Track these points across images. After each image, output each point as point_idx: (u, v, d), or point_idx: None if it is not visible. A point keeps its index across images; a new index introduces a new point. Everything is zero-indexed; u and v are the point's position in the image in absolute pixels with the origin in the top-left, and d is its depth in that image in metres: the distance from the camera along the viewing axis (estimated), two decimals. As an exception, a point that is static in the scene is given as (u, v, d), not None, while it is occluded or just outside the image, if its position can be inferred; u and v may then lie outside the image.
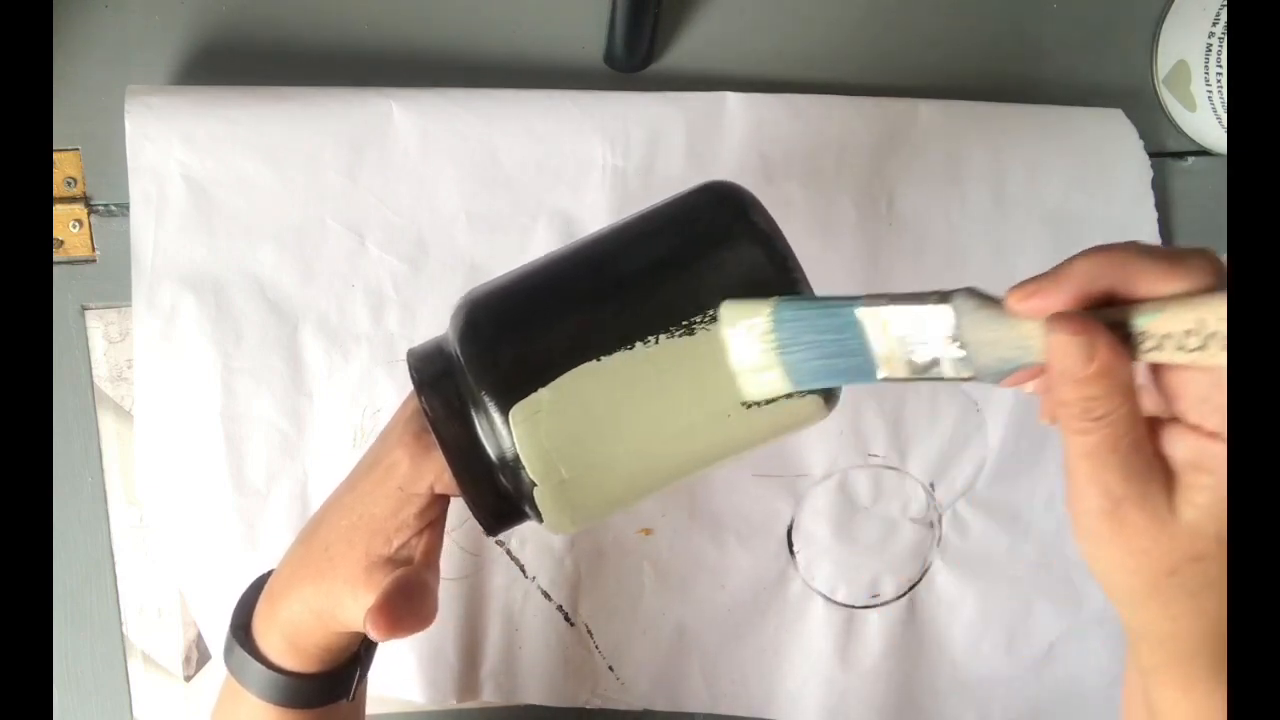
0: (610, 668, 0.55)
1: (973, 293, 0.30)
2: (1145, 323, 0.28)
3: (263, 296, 0.51)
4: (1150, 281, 0.28)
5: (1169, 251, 0.28)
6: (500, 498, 0.36)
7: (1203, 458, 0.29)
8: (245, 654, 0.41)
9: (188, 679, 0.53)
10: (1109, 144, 0.58)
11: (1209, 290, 0.27)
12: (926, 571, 0.57)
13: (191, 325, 0.50)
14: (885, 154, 0.55)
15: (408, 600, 0.38)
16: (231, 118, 0.50)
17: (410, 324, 0.52)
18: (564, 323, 0.34)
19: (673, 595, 0.55)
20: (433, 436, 0.36)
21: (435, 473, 0.38)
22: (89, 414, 0.52)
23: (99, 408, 0.52)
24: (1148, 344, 0.28)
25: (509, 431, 0.34)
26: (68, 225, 0.51)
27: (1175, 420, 0.29)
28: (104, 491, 0.52)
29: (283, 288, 0.51)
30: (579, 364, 0.34)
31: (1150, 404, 0.30)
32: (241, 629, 0.42)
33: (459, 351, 0.35)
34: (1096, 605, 0.58)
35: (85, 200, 0.51)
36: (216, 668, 0.53)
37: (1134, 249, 0.28)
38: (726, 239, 0.35)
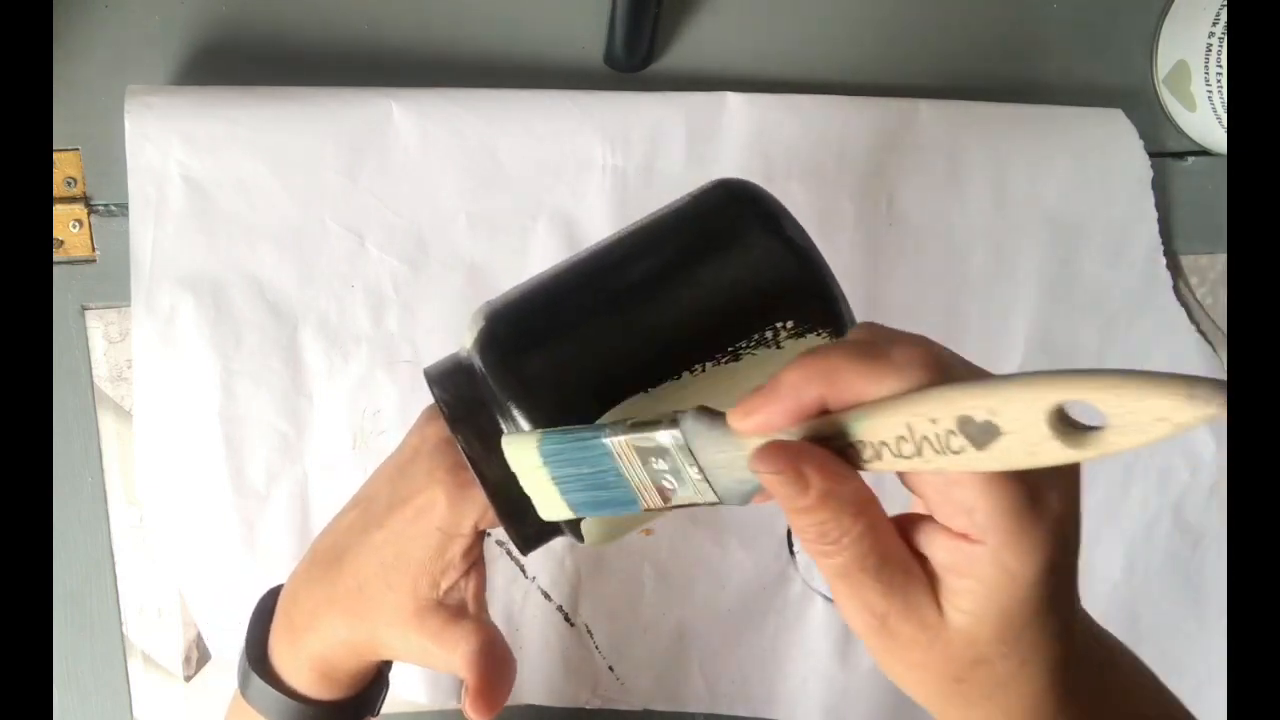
0: (610, 668, 0.55)
1: (702, 413, 0.28)
2: (855, 432, 0.26)
3: (262, 297, 0.51)
4: (852, 385, 0.26)
5: (872, 349, 0.26)
6: (542, 526, 0.36)
7: (959, 560, 0.27)
8: (268, 686, 0.40)
9: (188, 679, 0.53)
10: (1109, 144, 0.58)
11: (919, 388, 0.25)
12: (926, 571, 0.57)
13: (191, 326, 0.50)
14: (885, 154, 0.55)
15: (503, 675, 0.37)
16: (231, 118, 0.50)
17: (410, 324, 0.52)
18: (608, 355, 0.33)
19: (673, 595, 0.55)
20: (471, 473, 0.35)
21: (478, 511, 0.37)
22: (89, 414, 0.51)
23: (99, 408, 0.52)
24: (867, 453, 0.26)
25: None
26: (68, 225, 0.51)
27: (930, 519, 0.28)
28: (104, 491, 0.52)
29: (282, 288, 0.51)
30: (628, 398, 0.33)
31: (917, 501, 0.29)
32: (259, 661, 0.41)
33: (496, 386, 0.34)
34: (1096, 605, 0.58)
35: (85, 200, 0.51)
36: (216, 668, 0.53)
37: (841, 352, 0.26)
38: (770, 260, 0.34)
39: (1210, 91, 0.56)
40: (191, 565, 0.51)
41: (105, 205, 0.51)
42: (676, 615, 0.55)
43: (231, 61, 0.52)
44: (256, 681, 0.40)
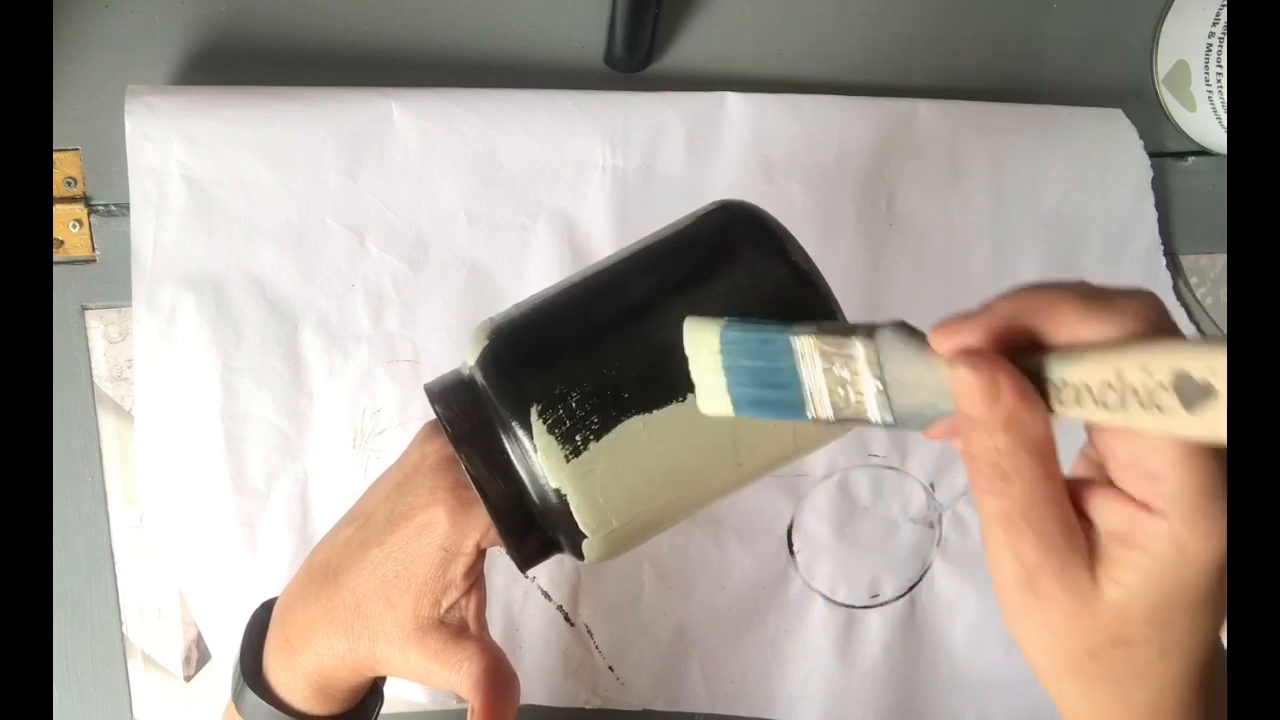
0: (610, 668, 0.55)
1: (901, 328, 0.27)
2: (1061, 371, 0.25)
3: (262, 296, 0.51)
4: (1071, 324, 0.25)
5: (1098, 292, 0.25)
6: (543, 544, 0.36)
7: (1132, 531, 0.26)
8: (263, 702, 0.39)
9: (188, 679, 0.53)
10: (1109, 144, 0.58)
11: (1137, 337, 0.24)
12: (927, 571, 0.57)
13: (191, 325, 0.50)
14: (885, 154, 0.55)
15: (508, 697, 0.37)
16: (231, 118, 0.50)
17: (410, 324, 0.52)
18: (612, 375, 0.33)
19: (673, 595, 0.55)
20: (473, 492, 0.35)
21: (481, 530, 0.36)
22: (89, 414, 0.52)
23: (99, 408, 0.52)
24: (1065, 395, 0.25)
25: (565, 502, 0.33)
26: (68, 225, 0.51)
27: (1108, 484, 0.27)
28: (104, 491, 0.52)
29: (283, 288, 0.51)
30: (630, 418, 0.33)
31: (1084, 465, 0.28)
32: (253, 675, 0.40)
33: (498, 404, 0.34)
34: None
35: (85, 200, 0.51)
36: (216, 668, 0.53)
37: (1065, 288, 0.25)
38: (772, 279, 0.34)
39: (1210, 91, 0.56)
40: (191, 565, 0.51)
41: (105, 205, 0.51)
42: (676, 615, 0.55)
43: (231, 61, 0.52)
44: (251, 696, 0.40)
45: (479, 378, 0.35)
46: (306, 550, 0.51)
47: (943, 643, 0.58)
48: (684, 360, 0.32)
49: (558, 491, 0.33)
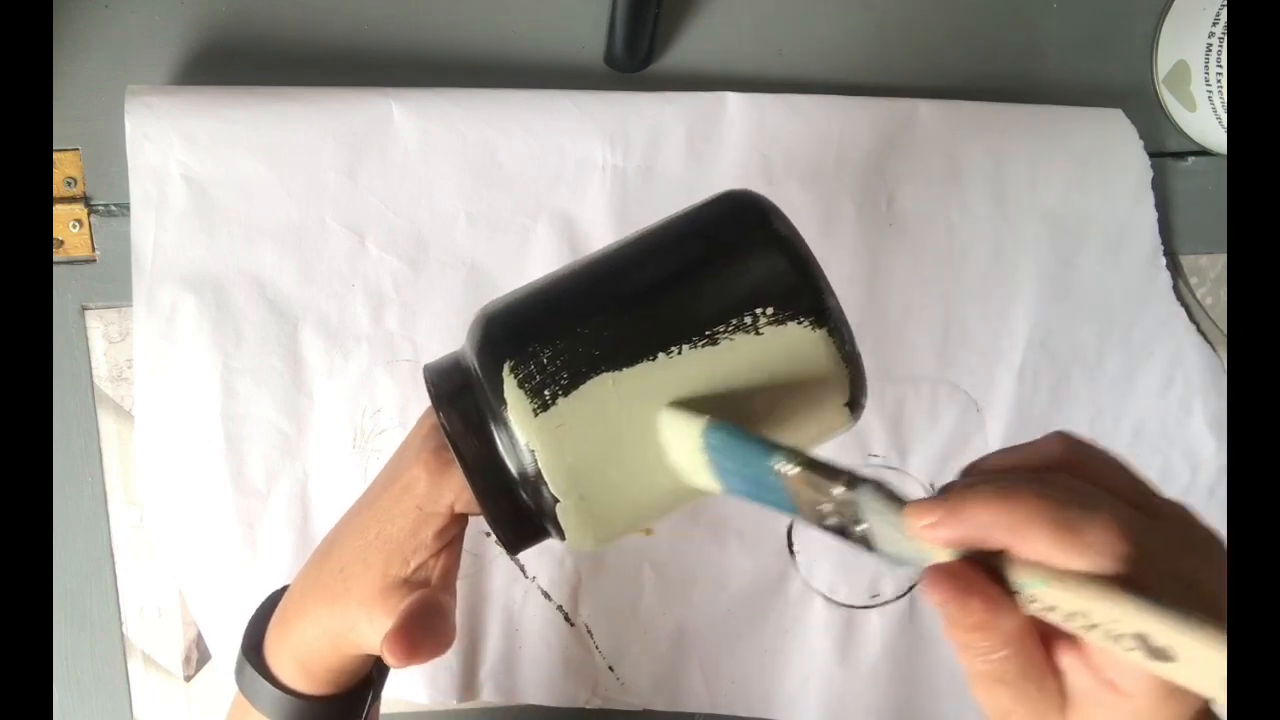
0: (610, 668, 0.55)
1: (880, 491, 0.28)
2: (1030, 588, 0.26)
3: (262, 296, 0.51)
4: (1042, 551, 0.26)
5: (1070, 521, 0.26)
6: (521, 515, 0.35)
7: (1098, 697, 0.27)
8: (256, 674, 0.40)
9: (188, 679, 0.53)
10: (1109, 144, 0.58)
11: (1104, 576, 0.25)
12: (926, 571, 0.57)
13: (191, 325, 0.50)
14: (885, 154, 0.55)
15: (426, 625, 0.37)
16: (231, 118, 0.50)
17: (410, 324, 0.52)
18: (584, 334, 0.34)
19: (673, 595, 0.55)
20: (452, 453, 0.35)
21: (455, 491, 0.37)
22: (89, 414, 0.52)
23: (99, 408, 0.52)
24: (1034, 605, 0.27)
25: (533, 451, 0.33)
26: (68, 225, 0.51)
27: (1080, 648, 0.28)
28: (104, 491, 0.52)
29: (283, 288, 0.51)
30: (600, 375, 0.33)
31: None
32: (253, 649, 0.41)
33: (477, 365, 0.34)
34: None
35: (85, 200, 0.51)
36: (216, 668, 0.53)
37: (1037, 508, 0.26)
38: (749, 248, 0.34)
39: (1210, 91, 0.56)
40: (191, 565, 0.51)
41: (105, 205, 0.51)
42: (676, 615, 0.55)
43: (231, 61, 0.52)
44: (248, 669, 0.41)
45: (471, 359, 0.36)
46: (307, 550, 0.51)
47: (942, 643, 0.58)
48: (657, 320, 0.33)
49: (527, 446, 0.33)
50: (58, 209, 0.51)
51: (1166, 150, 0.59)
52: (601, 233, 0.53)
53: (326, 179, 0.51)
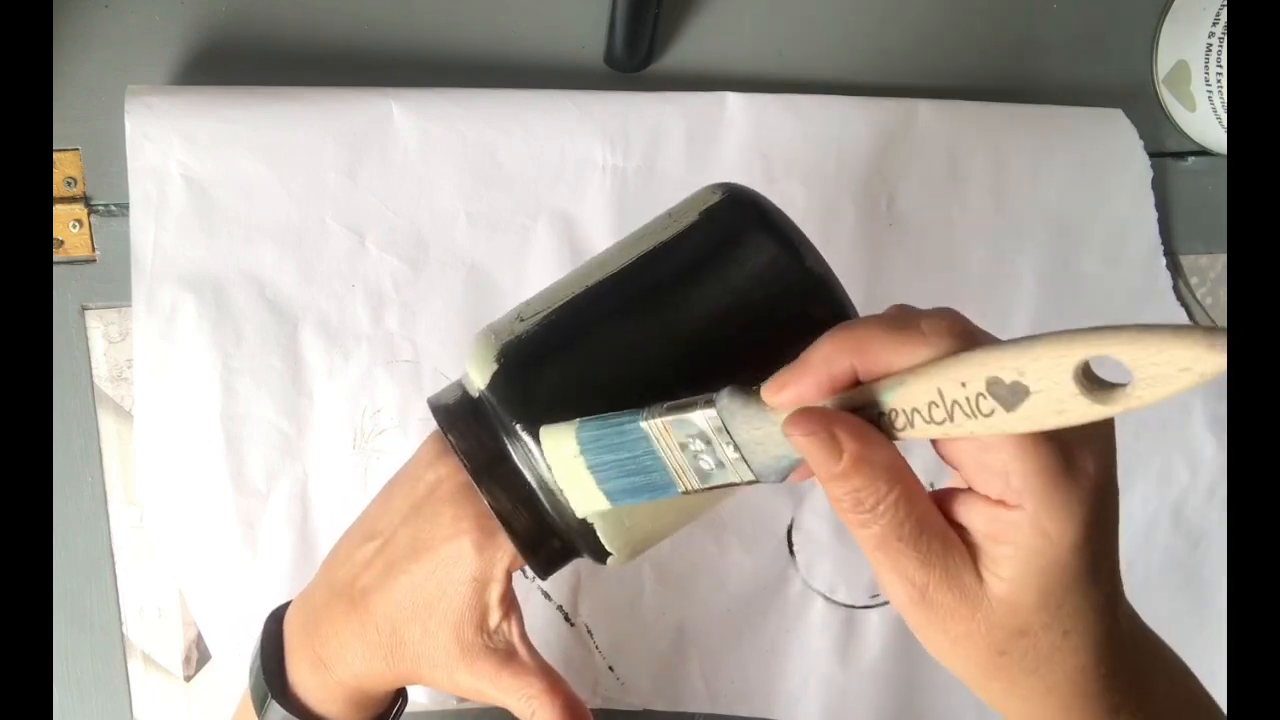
0: (610, 668, 0.55)
1: (736, 391, 0.29)
2: (887, 400, 0.27)
3: (262, 296, 0.51)
4: (884, 355, 0.27)
5: (903, 318, 0.27)
6: (566, 556, 0.36)
7: (998, 527, 0.27)
8: (294, 717, 0.39)
9: (188, 679, 0.53)
10: (1109, 144, 0.58)
11: (946, 355, 0.26)
12: (926, 571, 0.57)
13: (191, 325, 0.50)
14: (885, 154, 0.55)
15: None
16: (231, 118, 0.50)
17: (410, 324, 0.52)
18: (636, 401, 0.33)
19: (673, 595, 0.55)
20: (496, 523, 0.35)
21: (509, 557, 0.37)
22: (89, 414, 0.51)
23: (99, 408, 0.52)
24: (899, 422, 0.27)
25: (589, 525, 0.33)
26: (68, 225, 0.51)
27: (969, 490, 0.28)
28: (104, 491, 0.52)
29: (283, 288, 0.51)
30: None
31: (953, 477, 0.29)
32: (281, 691, 0.40)
33: (526, 437, 0.33)
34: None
35: (85, 200, 0.51)
36: (216, 668, 0.53)
37: (870, 324, 0.27)
38: (773, 276, 0.34)
39: (1210, 91, 0.56)
40: (191, 565, 0.51)
41: (105, 205, 0.51)
42: (676, 615, 0.55)
43: (231, 61, 0.52)
44: (279, 711, 0.40)
45: (492, 403, 0.35)
46: (307, 550, 0.51)
47: (943, 643, 0.58)
48: (706, 374, 0.32)
49: (584, 521, 0.34)
50: (58, 209, 0.51)
51: (1166, 150, 0.59)
52: (601, 233, 0.53)
53: (326, 179, 0.51)
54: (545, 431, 0.32)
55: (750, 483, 0.30)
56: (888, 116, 0.55)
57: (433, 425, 0.38)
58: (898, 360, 0.27)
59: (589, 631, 0.55)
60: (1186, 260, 0.60)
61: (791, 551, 0.56)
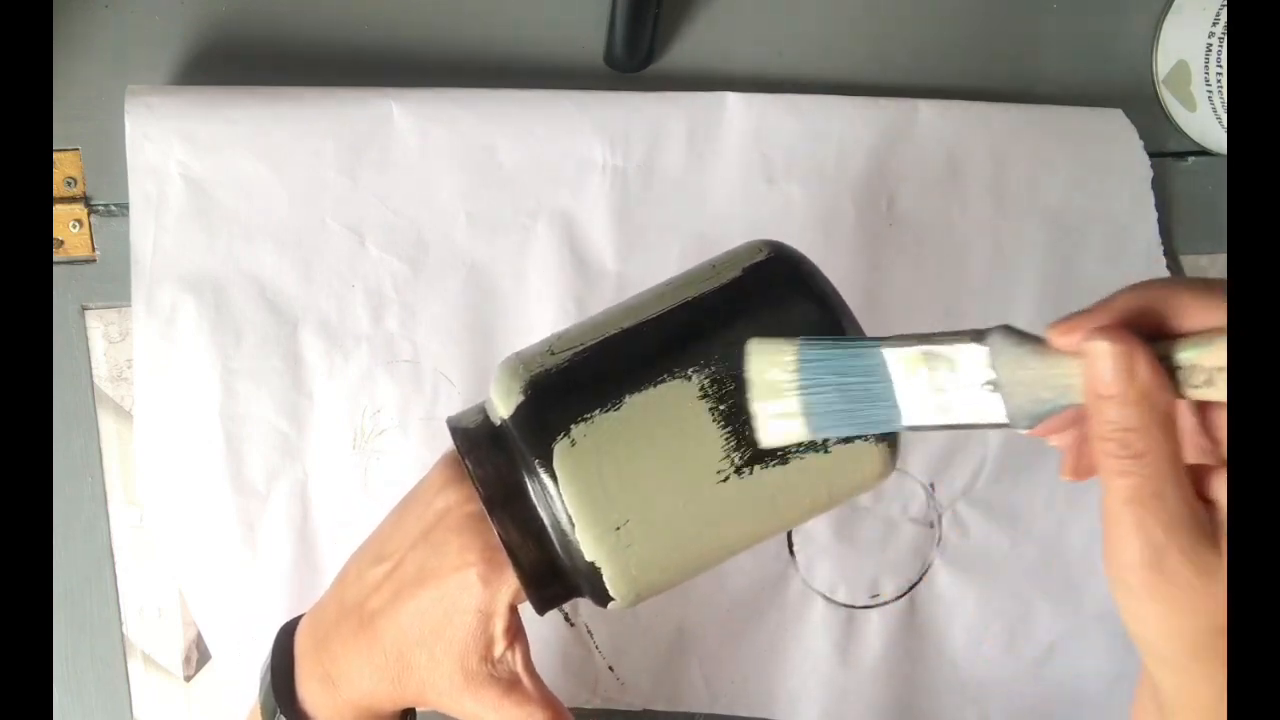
0: (610, 668, 0.55)
1: (1010, 330, 0.28)
2: (1194, 356, 0.26)
3: (262, 297, 0.51)
4: (1197, 314, 0.27)
5: (1211, 281, 0.27)
6: (568, 597, 0.36)
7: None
8: None
9: (188, 679, 0.53)
10: (1109, 144, 0.58)
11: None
12: (926, 571, 0.57)
13: (191, 325, 0.50)
14: (885, 154, 0.55)
15: None
16: (231, 118, 0.50)
17: (410, 324, 0.52)
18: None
19: (673, 595, 0.55)
20: (503, 555, 0.35)
21: (514, 591, 0.37)
22: (89, 414, 0.51)
23: (99, 408, 0.52)
24: (1197, 378, 0.26)
25: (597, 568, 0.34)
26: (68, 225, 0.51)
27: (1221, 469, 0.28)
28: (104, 491, 0.52)
29: (283, 288, 0.51)
30: (669, 492, 0.33)
31: (1193, 451, 0.28)
32: (289, 706, 0.40)
33: (542, 474, 0.33)
34: (1096, 605, 0.58)
35: (85, 200, 0.51)
36: (216, 668, 0.53)
37: (1179, 282, 0.27)
38: (782, 300, 0.34)
39: (1210, 91, 0.56)
40: (191, 565, 0.51)
41: (105, 205, 0.51)
42: (676, 615, 0.55)
43: (231, 61, 0.52)
44: None
45: (514, 434, 0.34)
46: (306, 550, 0.51)
47: (942, 643, 0.58)
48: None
49: (591, 564, 0.34)
50: (58, 209, 0.51)
51: (1166, 150, 0.59)
52: (601, 233, 0.53)
53: (326, 179, 0.51)
54: (755, 345, 0.32)
55: (997, 425, 0.29)
56: (888, 116, 0.55)
57: (434, 426, 0.38)
58: (1208, 318, 0.26)
59: (589, 631, 0.55)
60: (1186, 260, 0.60)
61: (791, 551, 0.56)
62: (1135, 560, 0.27)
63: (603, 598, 0.35)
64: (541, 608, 0.37)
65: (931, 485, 0.57)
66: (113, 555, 0.52)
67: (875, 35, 0.57)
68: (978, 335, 0.29)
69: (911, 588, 0.57)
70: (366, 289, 0.52)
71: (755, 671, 0.56)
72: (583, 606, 0.55)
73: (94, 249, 0.51)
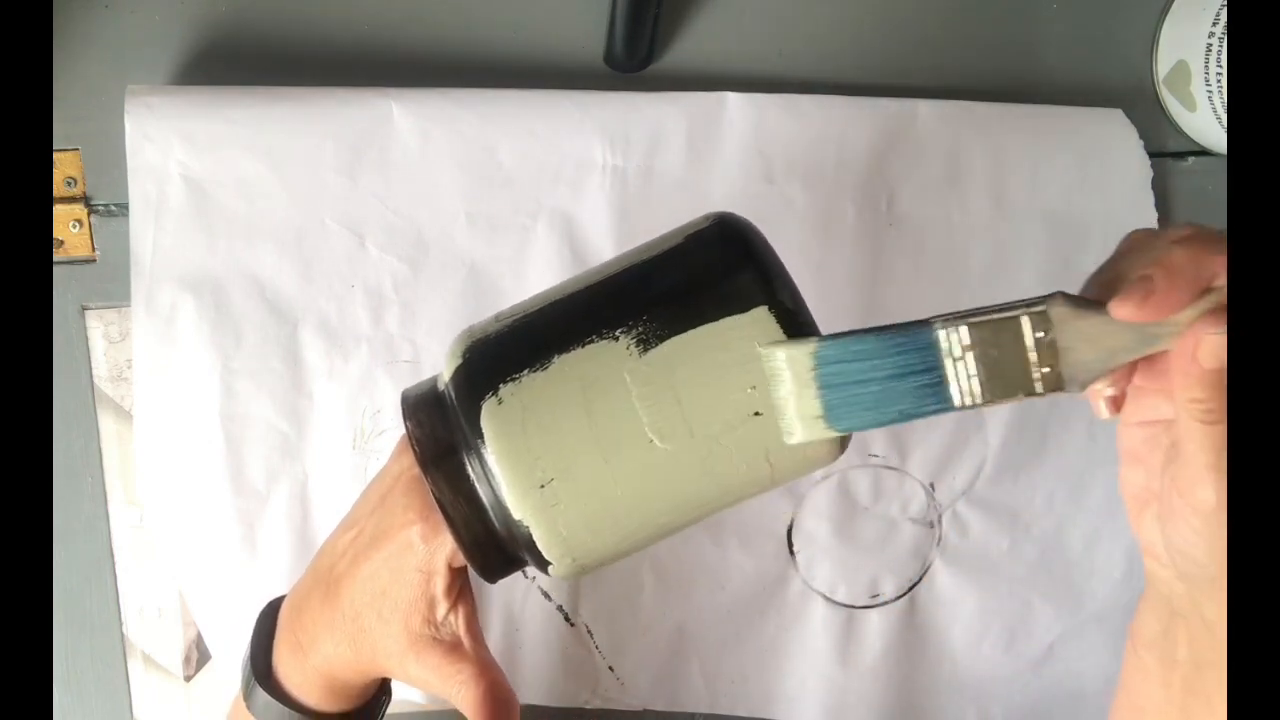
0: (610, 668, 0.55)
1: (1066, 296, 0.29)
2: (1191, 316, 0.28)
3: (262, 297, 0.51)
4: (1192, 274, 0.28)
5: (1195, 236, 0.29)
6: (509, 561, 0.36)
7: None
8: (273, 700, 0.40)
9: (188, 679, 0.53)
10: (1109, 144, 0.58)
11: None
12: (926, 571, 0.57)
13: (190, 326, 0.50)
14: (885, 154, 0.55)
15: (507, 718, 0.38)
16: (231, 118, 0.50)
17: (410, 324, 0.52)
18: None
19: (673, 595, 0.55)
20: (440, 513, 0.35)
21: (450, 549, 0.37)
22: (89, 414, 0.52)
23: (99, 408, 0.52)
24: None
25: (525, 527, 0.34)
26: (68, 225, 0.51)
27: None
28: (104, 491, 0.52)
29: (282, 288, 0.51)
30: (592, 450, 0.33)
31: None
32: (263, 674, 0.41)
33: (471, 433, 0.34)
34: (1096, 605, 0.58)
35: (85, 200, 0.51)
36: (216, 668, 0.53)
37: (1164, 240, 0.29)
38: (715, 263, 0.34)
39: (1210, 91, 0.56)
40: (191, 565, 0.51)
41: (105, 205, 0.51)
42: (676, 615, 0.55)
43: (231, 61, 0.52)
44: (261, 695, 0.41)
45: (450, 396, 0.35)
46: (306, 550, 0.51)
47: (943, 642, 0.58)
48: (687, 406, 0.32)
49: (520, 523, 0.34)
50: (58, 209, 0.51)
51: (1166, 150, 0.59)
52: (601, 233, 0.53)
53: (326, 179, 0.51)
54: (784, 348, 0.32)
55: (1051, 392, 0.30)
56: (888, 116, 0.55)
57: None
58: (1206, 277, 0.28)
59: (589, 631, 0.55)
60: (1186, 260, 0.60)
61: (791, 551, 0.56)
62: (1215, 498, 0.29)
63: (540, 561, 0.35)
64: (484, 571, 0.36)
65: (931, 485, 0.57)
66: (113, 555, 0.52)
67: (875, 35, 0.57)
68: (1034, 304, 0.29)
69: (911, 588, 0.57)
70: (366, 289, 0.52)
71: (755, 671, 0.56)
72: (583, 607, 0.55)
73: (94, 249, 0.51)
